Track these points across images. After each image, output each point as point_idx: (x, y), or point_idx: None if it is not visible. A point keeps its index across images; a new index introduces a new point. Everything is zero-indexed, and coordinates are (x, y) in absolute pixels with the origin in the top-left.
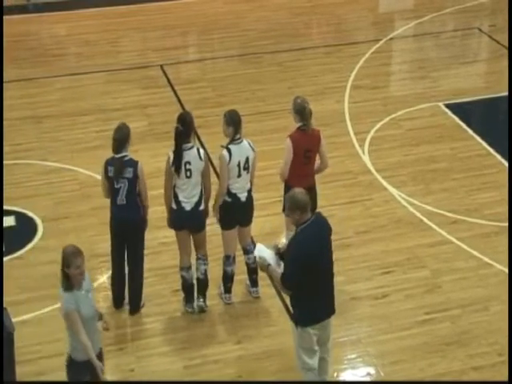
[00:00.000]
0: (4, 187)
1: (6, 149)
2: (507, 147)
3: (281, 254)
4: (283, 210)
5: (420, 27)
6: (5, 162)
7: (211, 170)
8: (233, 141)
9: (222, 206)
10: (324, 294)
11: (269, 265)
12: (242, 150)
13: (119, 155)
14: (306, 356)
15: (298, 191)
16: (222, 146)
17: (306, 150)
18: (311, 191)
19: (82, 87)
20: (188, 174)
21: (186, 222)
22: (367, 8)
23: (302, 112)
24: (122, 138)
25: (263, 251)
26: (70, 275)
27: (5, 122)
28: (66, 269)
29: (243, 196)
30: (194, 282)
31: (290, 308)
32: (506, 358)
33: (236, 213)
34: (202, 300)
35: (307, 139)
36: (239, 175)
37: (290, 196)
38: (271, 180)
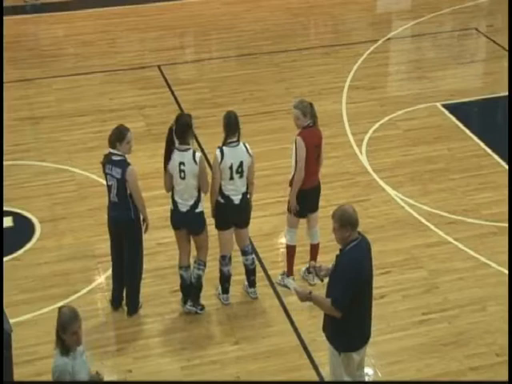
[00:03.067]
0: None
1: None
2: (505, 147)
3: (316, 271)
4: (288, 210)
5: (417, 28)
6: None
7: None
8: (228, 143)
9: (215, 206)
10: (368, 316)
11: (310, 292)
12: (237, 153)
13: (112, 151)
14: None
15: (348, 207)
16: (218, 147)
17: (315, 146)
18: (317, 191)
19: (80, 88)
20: (182, 175)
21: (182, 222)
22: (365, 8)
23: (310, 110)
24: (116, 134)
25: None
26: (66, 341)
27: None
28: (61, 333)
29: (237, 198)
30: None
31: (332, 335)
32: (503, 358)
33: (229, 214)
34: (190, 304)
35: (316, 135)
36: (231, 178)
37: (341, 212)
38: (270, 181)
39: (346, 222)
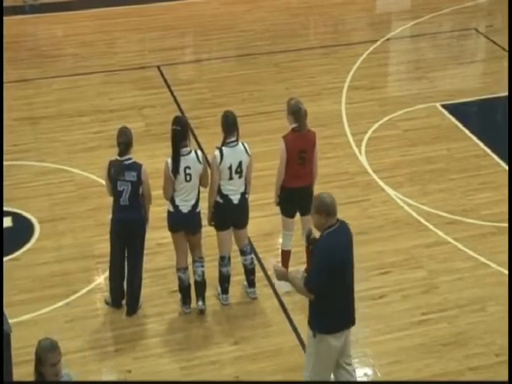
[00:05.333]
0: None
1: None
2: (504, 147)
3: (310, 241)
4: (281, 212)
5: (417, 28)
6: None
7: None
8: (227, 143)
9: (214, 207)
10: (345, 302)
11: (286, 272)
12: (236, 153)
13: (122, 158)
14: (317, 368)
15: (327, 195)
16: (217, 147)
17: (300, 151)
18: (307, 193)
19: (79, 88)
20: (188, 178)
21: (184, 224)
22: (364, 9)
23: (297, 112)
24: (126, 142)
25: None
26: (44, 374)
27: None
28: (39, 366)
29: (236, 198)
30: (191, 282)
31: (308, 315)
32: (503, 358)
33: (228, 214)
34: (201, 303)
35: (301, 140)
36: (230, 178)
37: (318, 198)
38: (269, 181)
39: (321, 209)
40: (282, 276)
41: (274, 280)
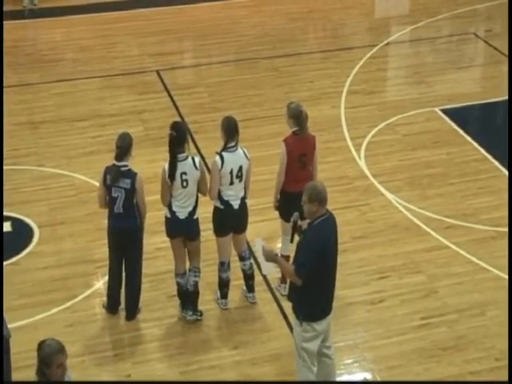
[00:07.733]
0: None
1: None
2: (503, 152)
3: (296, 228)
4: (280, 216)
5: (416, 32)
6: None
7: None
8: (227, 148)
9: (214, 212)
10: (331, 289)
11: (276, 255)
12: (236, 158)
13: (119, 163)
14: (307, 354)
15: (319, 184)
16: (217, 153)
17: (300, 155)
18: None
19: (79, 93)
20: (184, 184)
21: (181, 230)
22: (363, 13)
23: (298, 116)
24: (124, 147)
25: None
26: (49, 375)
27: None
28: (44, 368)
29: (236, 203)
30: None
31: (294, 304)
32: (503, 362)
33: (229, 220)
34: (190, 313)
35: (302, 144)
36: (231, 183)
37: (311, 187)
38: (267, 185)
39: (314, 198)
40: (271, 258)
41: (260, 259)
